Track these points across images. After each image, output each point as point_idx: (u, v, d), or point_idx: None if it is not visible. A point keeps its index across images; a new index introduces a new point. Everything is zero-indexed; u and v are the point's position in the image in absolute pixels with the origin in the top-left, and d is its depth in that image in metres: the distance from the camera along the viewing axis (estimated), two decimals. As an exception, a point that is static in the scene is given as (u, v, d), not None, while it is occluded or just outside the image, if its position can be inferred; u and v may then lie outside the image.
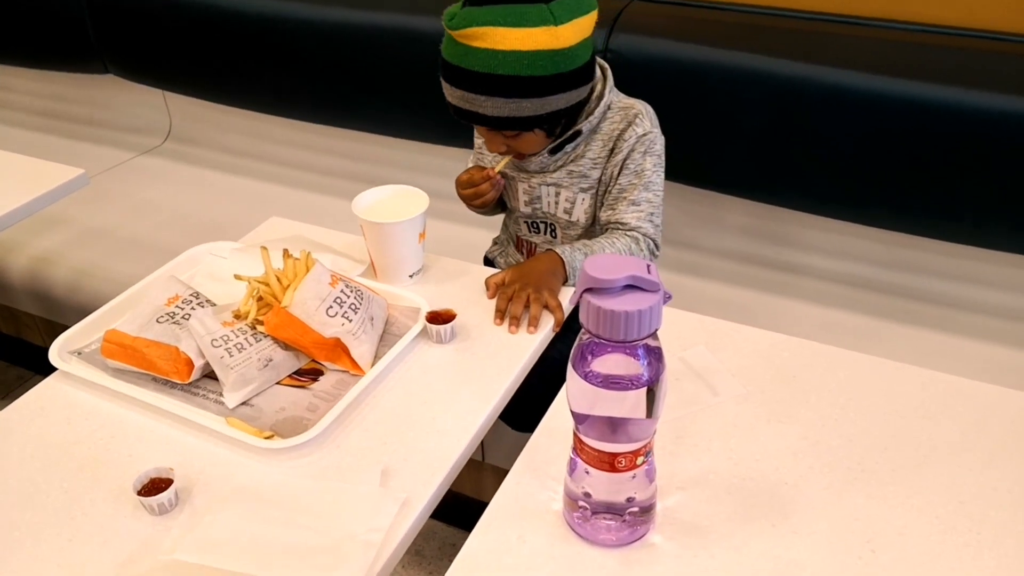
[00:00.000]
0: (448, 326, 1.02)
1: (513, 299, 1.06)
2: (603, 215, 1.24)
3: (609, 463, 0.69)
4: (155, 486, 0.82)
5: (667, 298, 0.64)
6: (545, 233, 1.34)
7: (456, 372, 0.99)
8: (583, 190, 1.25)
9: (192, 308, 1.01)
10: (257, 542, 0.76)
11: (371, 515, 0.79)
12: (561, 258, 1.14)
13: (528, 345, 1.03)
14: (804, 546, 0.75)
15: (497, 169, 1.25)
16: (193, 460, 0.87)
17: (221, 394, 0.95)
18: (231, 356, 0.94)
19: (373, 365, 0.98)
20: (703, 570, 0.73)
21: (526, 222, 1.34)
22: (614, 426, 0.67)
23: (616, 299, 0.62)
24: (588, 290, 0.63)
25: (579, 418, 0.69)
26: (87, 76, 2.27)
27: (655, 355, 0.65)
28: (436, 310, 1.04)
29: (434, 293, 1.12)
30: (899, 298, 1.56)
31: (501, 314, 1.06)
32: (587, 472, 0.71)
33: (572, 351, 0.67)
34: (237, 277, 1.02)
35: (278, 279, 0.99)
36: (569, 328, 0.99)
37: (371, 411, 0.93)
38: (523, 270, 1.11)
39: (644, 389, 0.65)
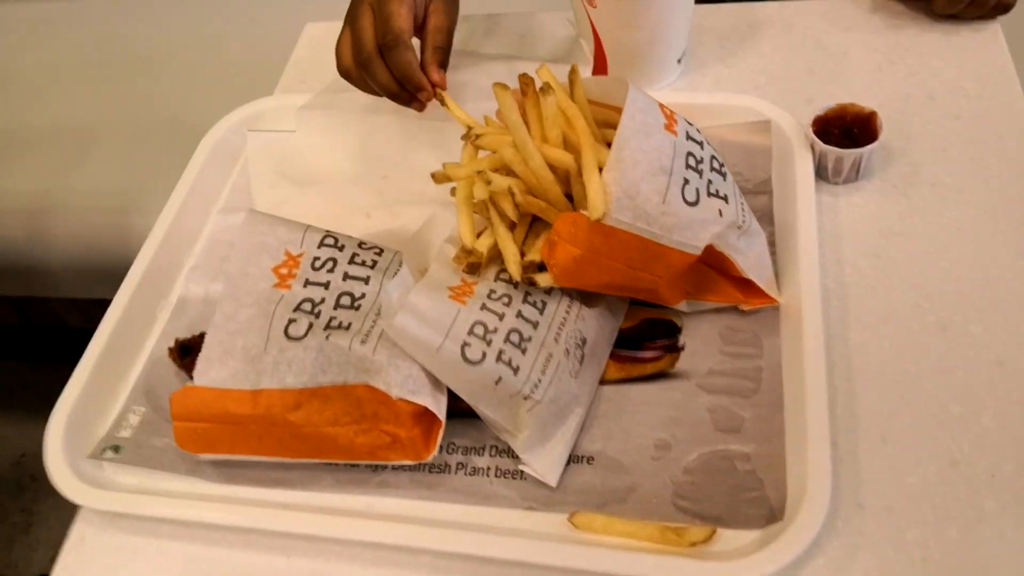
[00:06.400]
0: (869, 148, 0.47)
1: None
2: None
3: None
4: None
5: None
6: None
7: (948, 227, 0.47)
8: None
9: (350, 276, 0.42)
10: None
11: None
12: None
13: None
14: None
15: None
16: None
17: (506, 453, 0.40)
18: (514, 370, 0.37)
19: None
20: None
21: None
22: None
23: None
24: None
25: None
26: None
27: None
28: (824, 113, 0.49)
29: (739, 82, 0.56)
30: None
31: None
32: None
33: None
34: (441, 178, 0.42)
35: (542, 155, 0.40)
36: None
37: (860, 379, 0.42)
38: None
39: None
